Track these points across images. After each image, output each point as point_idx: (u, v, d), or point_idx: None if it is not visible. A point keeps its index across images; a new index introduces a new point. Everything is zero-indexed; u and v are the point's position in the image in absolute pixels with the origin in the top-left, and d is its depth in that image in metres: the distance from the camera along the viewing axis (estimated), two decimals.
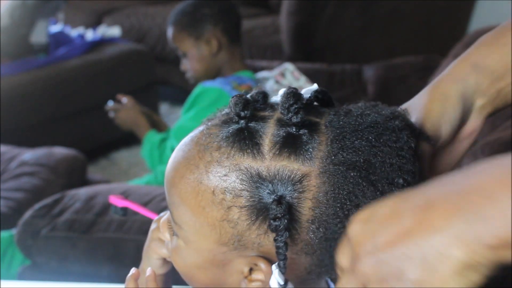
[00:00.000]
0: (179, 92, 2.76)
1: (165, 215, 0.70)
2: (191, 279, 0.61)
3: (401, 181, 0.53)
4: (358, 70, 2.25)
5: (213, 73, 1.75)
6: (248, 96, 0.57)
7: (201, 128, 0.58)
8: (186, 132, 2.03)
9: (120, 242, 1.23)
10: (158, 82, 2.95)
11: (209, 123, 0.58)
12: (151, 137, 1.74)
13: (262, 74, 2.03)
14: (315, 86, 0.59)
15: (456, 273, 0.41)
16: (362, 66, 2.27)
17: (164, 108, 3.12)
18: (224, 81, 1.70)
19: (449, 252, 0.41)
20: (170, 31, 1.78)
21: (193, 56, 1.76)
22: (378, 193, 0.52)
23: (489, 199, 0.40)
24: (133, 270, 0.66)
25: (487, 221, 0.40)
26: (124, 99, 1.85)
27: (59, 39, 2.69)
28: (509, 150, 1.09)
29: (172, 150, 1.98)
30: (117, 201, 0.81)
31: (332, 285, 0.67)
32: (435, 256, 0.42)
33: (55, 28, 2.77)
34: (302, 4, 2.72)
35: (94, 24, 3.38)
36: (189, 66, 1.77)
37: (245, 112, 0.55)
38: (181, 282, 0.81)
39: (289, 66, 2.10)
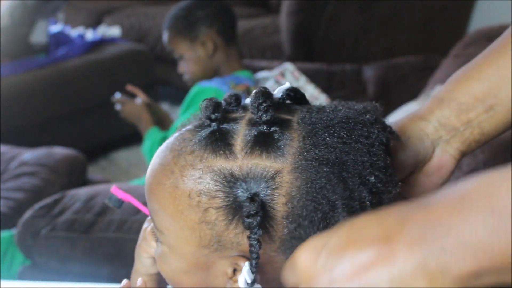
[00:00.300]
0: (179, 92, 2.76)
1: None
2: (178, 284, 0.61)
3: (372, 178, 0.53)
4: (358, 70, 2.25)
5: (210, 74, 1.76)
6: (222, 99, 0.58)
7: (176, 134, 0.59)
8: None
9: (120, 242, 1.23)
10: (158, 82, 2.95)
11: (183, 129, 0.58)
12: (152, 134, 1.75)
13: (262, 74, 2.03)
14: (287, 85, 0.59)
15: None
16: (362, 66, 2.27)
17: (164, 108, 3.11)
18: (221, 81, 1.71)
19: (415, 283, 0.41)
20: (165, 35, 1.80)
21: (189, 59, 1.77)
22: (347, 192, 0.52)
23: (447, 231, 0.40)
24: (124, 282, 0.66)
25: (449, 253, 0.40)
26: (138, 99, 1.86)
27: (59, 39, 2.69)
28: (509, 150, 1.09)
29: None
30: (118, 192, 0.80)
31: None
32: None
33: (55, 28, 2.77)
34: (302, 4, 2.72)
35: (94, 24, 3.38)
36: (186, 68, 1.78)
37: (216, 114, 0.55)
38: None
39: (289, 66, 2.10)
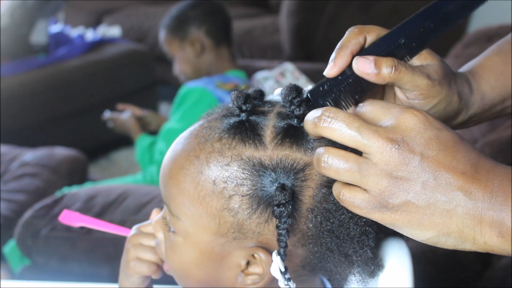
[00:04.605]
0: None
1: (147, 225, 0.71)
2: (186, 277, 0.61)
3: None
4: None
5: (201, 74, 1.79)
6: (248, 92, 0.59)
7: (200, 122, 0.59)
8: (175, 134, 2.03)
9: (120, 242, 1.23)
10: (158, 82, 2.96)
11: (209, 118, 0.59)
12: (141, 141, 1.77)
13: (262, 74, 2.03)
14: (310, 87, 0.60)
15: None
16: None
17: (164, 108, 3.13)
18: (208, 80, 1.73)
19: (479, 223, 0.46)
20: (161, 35, 1.83)
21: (180, 58, 1.80)
22: None
23: None
24: None
25: None
26: (126, 112, 1.89)
27: (59, 39, 2.69)
28: (509, 150, 1.09)
29: (161, 153, 1.96)
30: (72, 220, 0.79)
31: (328, 284, 0.67)
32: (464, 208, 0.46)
33: (55, 28, 2.77)
34: (302, 4, 2.72)
35: (94, 24, 3.38)
36: (178, 68, 1.81)
37: (246, 105, 0.56)
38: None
39: (289, 66, 2.10)
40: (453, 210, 0.46)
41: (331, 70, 0.56)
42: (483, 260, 1.08)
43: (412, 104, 0.59)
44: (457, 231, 0.46)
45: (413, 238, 0.48)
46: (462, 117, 0.63)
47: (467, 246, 0.47)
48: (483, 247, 0.46)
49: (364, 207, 0.48)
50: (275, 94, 0.60)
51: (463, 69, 0.65)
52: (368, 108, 0.50)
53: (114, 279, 1.18)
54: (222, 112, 0.58)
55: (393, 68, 0.55)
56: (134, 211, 1.26)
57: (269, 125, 0.55)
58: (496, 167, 0.47)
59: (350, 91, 0.55)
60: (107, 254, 1.23)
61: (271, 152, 0.54)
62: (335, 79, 0.55)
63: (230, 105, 0.58)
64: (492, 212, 0.45)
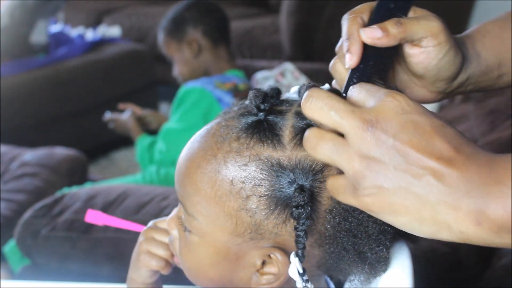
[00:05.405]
0: None
1: (161, 221, 0.71)
2: (199, 276, 0.61)
3: None
4: None
5: (199, 75, 1.79)
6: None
7: (217, 120, 0.59)
8: (174, 134, 2.02)
9: (120, 242, 1.23)
10: (158, 82, 2.96)
11: (226, 116, 0.58)
12: (141, 141, 1.77)
13: (262, 74, 2.03)
14: (327, 86, 0.60)
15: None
16: None
17: (164, 108, 3.13)
18: (207, 80, 1.73)
19: (453, 209, 0.44)
20: (159, 37, 1.84)
21: (179, 60, 1.80)
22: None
23: (499, 180, 0.43)
24: None
25: (492, 197, 0.43)
26: (126, 113, 1.89)
27: (59, 39, 2.69)
28: (509, 150, 1.09)
29: (160, 153, 1.96)
30: (96, 219, 0.80)
31: (331, 284, 0.67)
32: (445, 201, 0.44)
33: (55, 28, 2.78)
34: (302, 4, 2.72)
35: (94, 24, 3.38)
36: (177, 70, 1.82)
37: (265, 105, 0.56)
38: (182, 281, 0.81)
39: (289, 66, 2.10)
40: (425, 196, 0.44)
41: (352, 60, 0.55)
42: (483, 260, 1.08)
43: (428, 53, 0.58)
44: (430, 219, 0.45)
45: (392, 224, 0.47)
46: (462, 76, 0.62)
47: (444, 235, 0.45)
48: (459, 237, 0.44)
49: (342, 191, 0.48)
50: (291, 92, 0.60)
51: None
52: (355, 92, 0.50)
53: (114, 279, 1.18)
54: (239, 111, 0.58)
55: (398, 25, 0.55)
56: (134, 211, 1.26)
57: (288, 125, 0.55)
58: (477, 153, 0.45)
59: (375, 74, 0.55)
60: (107, 254, 1.23)
61: (289, 152, 0.54)
62: (358, 68, 0.55)
63: (247, 103, 0.58)
64: (469, 199, 0.43)
